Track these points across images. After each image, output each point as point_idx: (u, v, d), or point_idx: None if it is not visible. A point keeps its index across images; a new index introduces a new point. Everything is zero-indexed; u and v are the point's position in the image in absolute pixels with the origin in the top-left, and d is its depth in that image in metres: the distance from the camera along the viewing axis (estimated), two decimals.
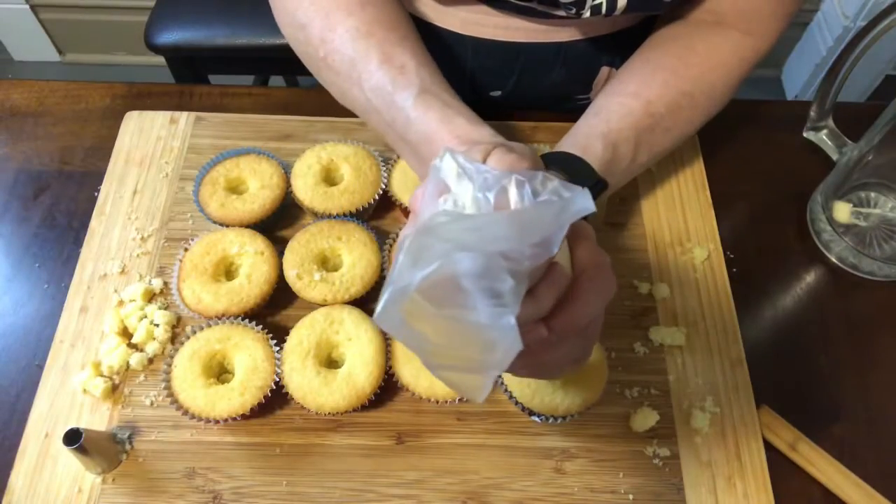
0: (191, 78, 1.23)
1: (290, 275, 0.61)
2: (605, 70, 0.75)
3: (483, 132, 0.48)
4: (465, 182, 0.34)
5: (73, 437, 0.50)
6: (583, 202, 0.33)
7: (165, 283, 0.64)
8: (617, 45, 0.71)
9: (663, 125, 0.59)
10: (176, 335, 0.62)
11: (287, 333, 0.59)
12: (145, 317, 0.62)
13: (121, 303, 0.63)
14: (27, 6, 1.85)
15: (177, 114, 0.74)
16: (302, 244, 0.62)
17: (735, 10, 0.61)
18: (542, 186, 0.34)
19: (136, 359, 0.60)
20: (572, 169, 0.52)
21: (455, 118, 0.49)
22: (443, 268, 0.30)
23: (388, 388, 0.59)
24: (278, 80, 1.53)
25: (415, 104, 0.51)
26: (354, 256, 0.62)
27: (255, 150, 0.69)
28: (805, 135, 0.75)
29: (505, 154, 0.39)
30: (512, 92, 0.76)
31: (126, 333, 0.61)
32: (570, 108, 0.78)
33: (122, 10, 1.86)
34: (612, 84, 0.61)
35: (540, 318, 0.38)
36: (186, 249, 0.63)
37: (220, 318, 0.60)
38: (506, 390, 0.58)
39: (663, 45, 0.63)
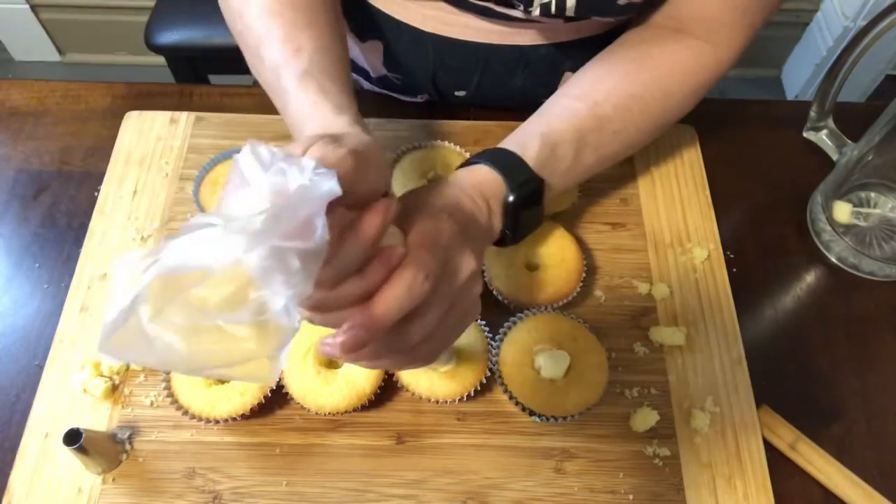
0: (191, 78, 1.22)
1: None
2: (568, 75, 0.74)
3: (341, 122, 0.47)
4: (260, 175, 0.33)
5: (73, 437, 0.50)
6: (328, 185, 0.32)
7: None
8: (580, 53, 0.70)
9: (611, 127, 0.58)
10: None
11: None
12: None
13: None
14: (27, 6, 1.85)
15: (177, 114, 0.74)
16: None
17: (695, 18, 0.60)
18: (300, 173, 0.33)
19: None
20: (505, 166, 0.52)
21: (324, 105, 0.49)
22: (162, 265, 0.30)
23: (388, 388, 0.59)
24: None
25: (295, 86, 0.50)
26: None
27: None
28: (805, 135, 0.75)
29: (323, 146, 0.38)
30: (476, 93, 0.76)
31: None
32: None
33: (122, 10, 1.86)
34: (563, 86, 0.61)
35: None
36: None
37: None
38: (506, 390, 0.58)
39: (619, 50, 0.62)
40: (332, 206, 0.34)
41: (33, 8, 1.87)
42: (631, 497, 0.56)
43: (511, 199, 0.52)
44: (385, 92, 0.81)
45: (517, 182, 0.52)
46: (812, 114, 0.74)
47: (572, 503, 0.55)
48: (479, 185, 0.51)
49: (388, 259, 0.38)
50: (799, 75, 1.92)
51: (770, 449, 0.58)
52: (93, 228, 0.67)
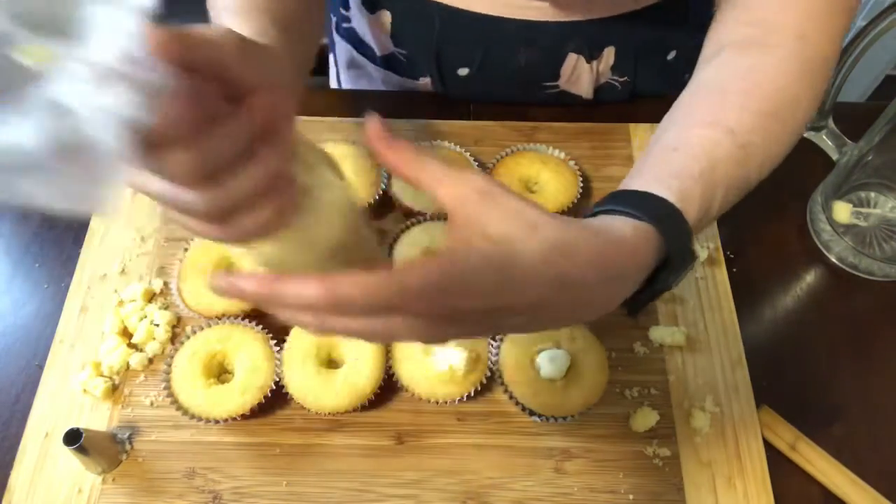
0: None
1: None
2: (572, 57, 0.73)
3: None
4: None
5: (73, 437, 0.50)
6: (138, 21, 0.28)
7: (165, 283, 0.64)
8: (588, 34, 0.69)
9: (758, 157, 0.48)
10: (176, 335, 0.62)
11: (287, 333, 0.59)
12: (145, 317, 0.62)
13: (121, 303, 0.63)
14: None
15: None
16: None
17: (782, 14, 0.52)
18: None
19: (136, 359, 0.60)
20: (670, 233, 0.40)
21: (243, 27, 0.46)
22: None
23: (388, 388, 0.59)
24: None
25: (229, 11, 0.49)
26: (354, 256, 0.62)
27: None
28: (805, 135, 0.75)
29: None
30: (479, 71, 0.75)
31: (126, 333, 0.61)
32: (542, 97, 0.77)
33: None
34: (672, 115, 0.51)
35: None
36: (186, 249, 0.63)
37: (220, 318, 0.60)
38: (506, 390, 0.58)
39: (720, 76, 0.52)
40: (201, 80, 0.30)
41: None
42: (631, 497, 0.56)
43: (666, 279, 0.42)
44: (389, 74, 0.81)
45: (675, 253, 0.41)
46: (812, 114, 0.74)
47: (572, 503, 0.55)
48: (633, 255, 0.40)
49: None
50: None
51: (770, 449, 0.58)
52: (93, 228, 0.67)
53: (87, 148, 0.26)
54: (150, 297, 0.63)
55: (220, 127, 0.31)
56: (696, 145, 0.46)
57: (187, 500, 0.55)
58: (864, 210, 0.71)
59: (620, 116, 0.67)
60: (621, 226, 0.40)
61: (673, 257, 0.41)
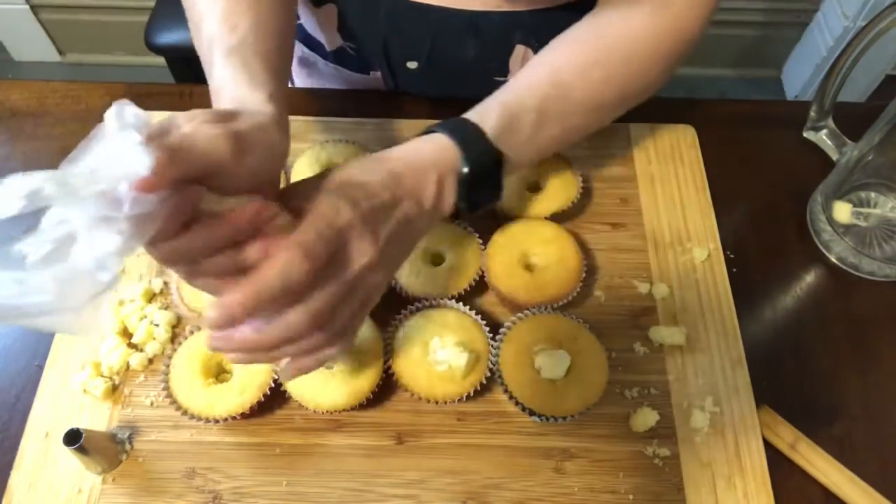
0: (191, 78, 1.22)
1: None
2: (520, 49, 0.73)
3: (256, 98, 0.47)
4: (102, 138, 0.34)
5: (73, 437, 0.50)
6: (137, 163, 0.32)
7: (165, 283, 0.64)
8: (533, 24, 0.69)
9: (573, 95, 0.57)
10: (176, 335, 0.62)
11: None
12: (145, 317, 0.62)
13: (121, 303, 0.63)
14: (27, 6, 1.85)
15: None
16: None
17: None
18: (121, 143, 0.33)
19: (136, 359, 0.60)
20: (463, 136, 0.51)
21: (241, 79, 0.48)
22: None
23: (388, 388, 0.59)
24: None
25: (221, 59, 0.50)
26: None
27: None
28: (805, 135, 0.75)
29: (201, 122, 0.38)
30: (427, 64, 0.75)
31: (126, 333, 0.61)
32: (490, 90, 0.78)
33: (122, 10, 1.86)
34: (532, 59, 0.60)
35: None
36: None
37: None
38: (506, 390, 0.58)
39: (585, 20, 0.61)
40: (187, 185, 0.35)
41: (33, 8, 1.87)
42: (631, 497, 0.56)
43: (465, 170, 0.51)
44: (340, 69, 0.81)
45: (473, 154, 0.51)
46: (812, 114, 0.74)
47: (572, 503, 0.55)
48: (433, 159, 0.50)
49: (207, 228, 0.37)
50: (799, 75, 1.92)
51: (770, 449, 0.58)
52: None
53: (83, 283, 0.32)
54: (150, 297, 0.63)
55: (210, 232, 0.37)
56: (516, 79, 0.57)
57: (187, 500, 0.55)
58: (864, 210, 0.71)
59: (620, 116, 0.67)
60: (419, 143, 0.51)
61: (470, 155, 0.51)
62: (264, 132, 0.41)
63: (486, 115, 0.54)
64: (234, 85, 0.48)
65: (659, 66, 0.61)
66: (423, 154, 0.50)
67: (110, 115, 0.33)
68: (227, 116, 0.40)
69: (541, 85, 0.56)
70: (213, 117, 0.38)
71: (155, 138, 0.35)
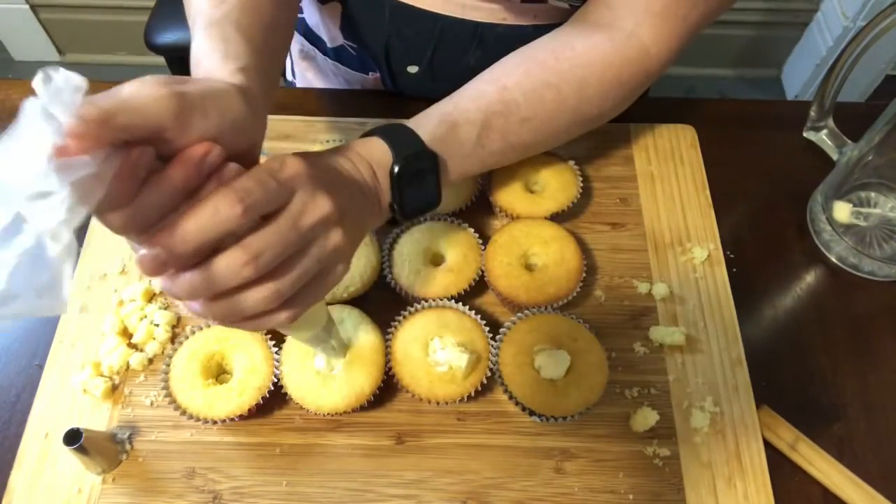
0: None
1: None
2: None
3: (226, 69, 0.44)
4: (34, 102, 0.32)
5: (73, 437, 0.50)
6: (51, 125, 0.31)
7: None
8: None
9: (520, 114, 0.57)
10: (176, 335, 0.62)
11: (286, 334, 0.59)
12: (145, 317, 0.62)
13: (121, 303, 0.63)
14: (27, 6, 1.85)
15: None
16: None
17: (623, 5, 0.58)
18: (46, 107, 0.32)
19: (136, 359, 0.60)
20: (394, 138, 0.52)
21: (217, 52, 0.46)
22: None
23: (388, 388, 0.59)
24: None
25: (202, 32, 0.49)
26: (354, 255, 0.62)
27: None
28: (805, 135, 0.75)
29: (143, 83, 0.35)
30: (428, 69, 0.75)
31: (126, 333, 0.61)
32: None
33: (122, 10, 1.86)
34: (481, 73, 0.60)
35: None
36: None
37: None
38: (506, 390, 0.58)
39: (543, 40, 0.61)
40: (133, 146, 0.34)
41: (33, 8, 1.87)
42: (631, 497, 0.56)
43: (396, 169, 0.51)
44: (339, 66, 0.81)
45: (404, 154, 0.52)
46: (812, 114, 0.74)
47: (572, 503, 0.55)
48: (366, 153, 0.51)
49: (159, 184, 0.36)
50: (799, 75, 1.92)
51: (770, 449, 0.58)
52: (93, 228, 0.67)
53: (41, 261, 0.31)
54: (150, 297, 0.64)
55: (150, 187, 0.35)
56: (460, 93, 0.58)
57: (187, 500, 0.55)
58: (864, 210, 0.71)
59: (620, 116, 0.67)
60: (354, 144, 0.52)
61: (400, 154, 0.52)
62: (218, 98, 0.39)
63: (422, 121, 0.56)
64: (207, 57, 0.46)
65: (616, 93, 0.61)
66: (359, 150, 0.51)
67: (37, 81, 0.31)
68: (177, 80, 0.37)
69: (486, 100, 0.57)
70: (161, 80, 0.36)
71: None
